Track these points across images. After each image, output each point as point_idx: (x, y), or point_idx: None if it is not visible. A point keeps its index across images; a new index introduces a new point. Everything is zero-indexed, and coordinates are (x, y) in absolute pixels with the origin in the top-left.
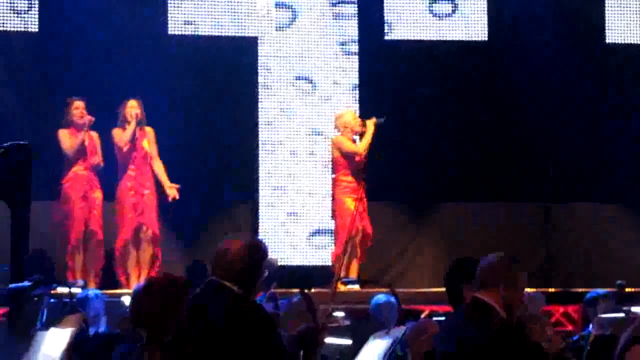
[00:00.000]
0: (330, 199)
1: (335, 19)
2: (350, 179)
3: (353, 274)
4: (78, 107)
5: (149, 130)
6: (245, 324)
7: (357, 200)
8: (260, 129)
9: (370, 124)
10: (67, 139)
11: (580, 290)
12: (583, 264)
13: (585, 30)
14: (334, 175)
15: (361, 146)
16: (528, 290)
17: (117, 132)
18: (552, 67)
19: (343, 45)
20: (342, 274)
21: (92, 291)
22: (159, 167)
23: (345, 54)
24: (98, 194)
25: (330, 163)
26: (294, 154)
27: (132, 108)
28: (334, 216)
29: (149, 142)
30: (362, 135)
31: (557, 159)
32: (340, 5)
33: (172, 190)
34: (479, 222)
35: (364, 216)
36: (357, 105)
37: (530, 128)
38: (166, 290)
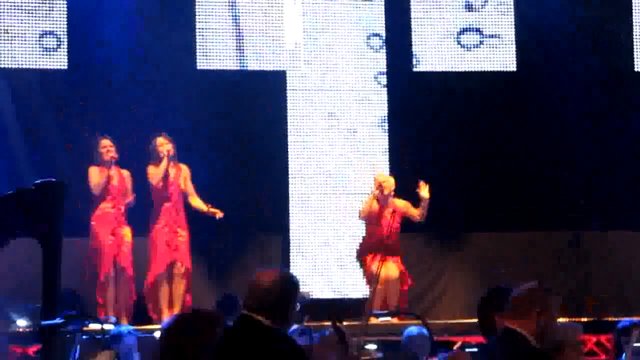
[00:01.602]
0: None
1: (364, 52)
2: (370, 239)
3: (385, 307)
4: (105, 146)
5: (184, 167)
6: (277, 357)
7: (379, 264)
8: (290, 163)
9: (425, 190)
10: (95, 176)
11: (612, 319)
12: (615, 292)
13: (614, 59)
14: None
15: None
16: (562, 319)
17: (150, 169)
18: (582, 96)
19: (372, 77)
20: (374, 306)
21: (125, 327)
22: (196, 202)
23: (374, 87)
24: (127, 232)
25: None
26: (324, 187)
27: (164, 145)
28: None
29: (184, 180)
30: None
31: (588, 186)
32: (368, 38)
33: (214, 210)
34: (510, 251)
35: (390, 268)
36: (387, 137)
37: (560, 157)
38: (196, 325)
